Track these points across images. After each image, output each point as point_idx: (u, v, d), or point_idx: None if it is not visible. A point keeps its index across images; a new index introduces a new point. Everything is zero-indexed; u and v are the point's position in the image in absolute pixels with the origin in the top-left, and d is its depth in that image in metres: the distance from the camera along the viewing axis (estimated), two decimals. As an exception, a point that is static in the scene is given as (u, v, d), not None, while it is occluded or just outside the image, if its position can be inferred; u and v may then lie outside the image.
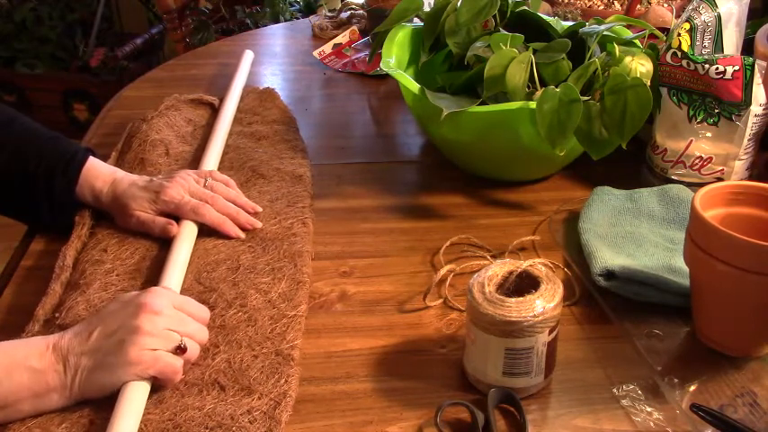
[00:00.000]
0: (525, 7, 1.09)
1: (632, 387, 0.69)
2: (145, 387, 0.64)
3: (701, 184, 0.76)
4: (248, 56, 1.34)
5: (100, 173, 0.88)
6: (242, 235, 0.86)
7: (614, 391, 0.69)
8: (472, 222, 0.94)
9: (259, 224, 0.88)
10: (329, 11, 1.69)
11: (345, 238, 0.91)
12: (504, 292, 0.67)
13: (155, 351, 0.64)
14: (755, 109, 0.90)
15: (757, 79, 0.89)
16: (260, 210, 0.90)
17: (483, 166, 1.02)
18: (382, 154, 1.13)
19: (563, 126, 0.87)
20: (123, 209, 0.86)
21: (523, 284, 0.68)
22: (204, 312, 0.71)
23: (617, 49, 0.93)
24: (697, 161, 0.95)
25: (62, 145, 0.89)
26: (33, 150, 0.87)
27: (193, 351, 0.67)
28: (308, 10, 2.43)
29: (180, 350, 0.65)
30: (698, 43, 0.96)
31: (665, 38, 0.98)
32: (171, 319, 0.66)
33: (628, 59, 0.92)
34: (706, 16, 0.96)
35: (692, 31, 0.95)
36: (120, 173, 0.89)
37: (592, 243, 0.83)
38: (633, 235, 0.85)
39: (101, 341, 0.64)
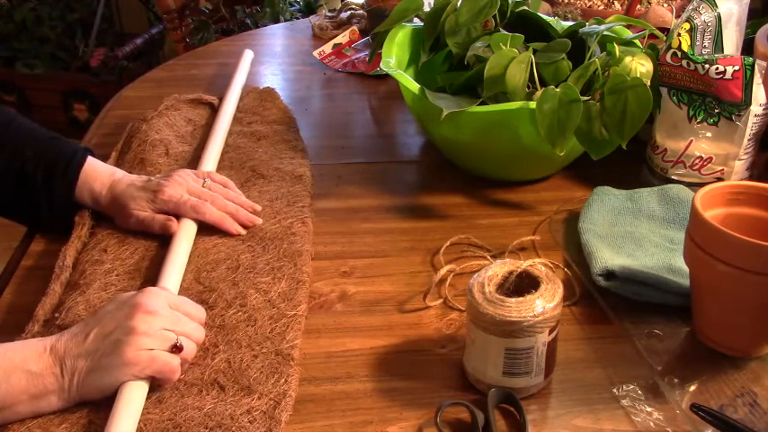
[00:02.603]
0: (525, 7, 1.09)
1: (632, 387, 0.69)
2: (143, 387, 0.64)
3: (701, 184, 0.76)
4: (248, 55, 1.34)
5: (98, 175, 0.88)
6: (242, 231, 0.86)
7: (614, 391, 0.69)
8: (472, 222, 0.94)
9: (259, 221, 0.88)
10: (329, 11, 1.69)
11: (345, 238, 0.91)
12: (504, 292, 0.67)
13: (151, 351, 0.64)
14: (755, 109, 0.90)
15: (757, 79, 0.89)
16: (259, 209, 0.90)
17: (483, 166, 1.02)
18: (382, 154, 1.13)
19: (563, 126, 0.87)
20: (122, 209, 0.86)
21: (523, 284, 0.68)
22: (200, 312, 0.71)
23: (617, 49, 0.93)
24: (697, 161, 0.95)
25: (60, 146, 0.89)
26: (32, 152, 0.86)
27: (190, 350, 0.67)
28: (308, 10, 2.42)
29: (176, 349, 0.65)
30: (698, 43, 0.96)
31: (665, 38, 0.98)
32: (167, 319, 0.66)
33: (628, 59, 0.92)
34: (706, 16, 0.96)
35: (692, 31, 0.95)
36: (118, 173, 0.89)
37: (592, 243, 0.83)
38: (633, 235, 0.85)
39: (97, 343, 0.64)
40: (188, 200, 0.86)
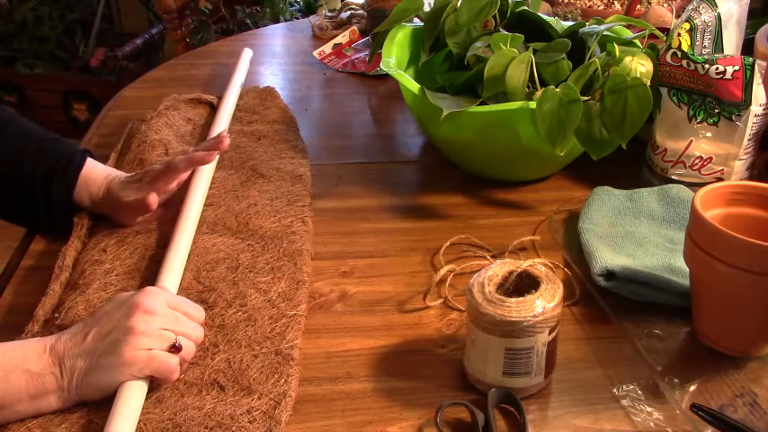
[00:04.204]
0: (525, 7, 1.09)
1: (632, 387, 0.69)
2: (142, 387, 0.64)
3: (701, 184, 0.76)
4: (247, 53, 1.34)
5: (97, 177, 0.88)
6: (213, 156, 0.88)
7: (614, 391, 0.69)
8: (472, 222, 0.94)
9: (226, 142, 0.87)
10: (329, 11, 1.69)
11: (345, 238, 0.91)
12: (504, 292, 0.67)
13: (149, 351, 0.64)
14: (755, 109, 0.90)
15: (757, 79, 0.89)
16: (226, 137, 0.89)
17: (483, 166, 1.02)
18: (382, 154, 1.13)
19: (563, 126, 0.87)
20: (115, 202, 0.86)
21: (523, 284, 0.68)
22: (199, 311, 0.71)
23: (617, 49, 0.93)
24: (697, 161, 0.95)
25: (59, 147, 0.88)
26: (30, 153, 0.86)
27: (189, 350, 0.67)
28: (308, 10, 2.43)
29: (175, 349, 0.65)
30: (698, 43, 0.96)
31: (665, 38, 0.98)
32: (165, 319, 0.66)
33: (628, 59, 0.92)
34: (706, 16, 0.96)
35: (692, 31, 0.95)
36: (113, 173, 0.89)
37: (592, 243, 0.83)
38: (633, 235, 0.85)
39: (96, 343, 0.64)
40: (162, 168, 0.86)
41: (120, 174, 0.90)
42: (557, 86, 0.89)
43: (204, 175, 0.93)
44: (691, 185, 0.93)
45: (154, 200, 0.85)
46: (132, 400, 0.62)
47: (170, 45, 2.83)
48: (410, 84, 0.96)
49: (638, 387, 0.69)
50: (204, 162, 0.88)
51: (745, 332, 0.70)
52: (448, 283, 0.82)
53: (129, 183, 0.87)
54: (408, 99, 1.01)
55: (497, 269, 0.68)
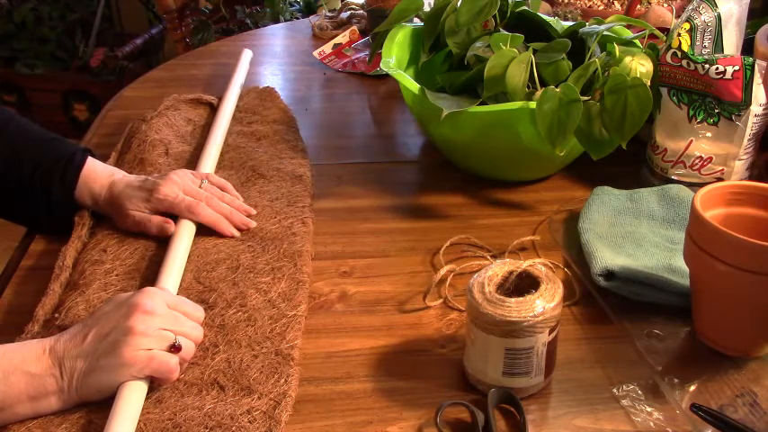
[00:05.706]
0: (525, 7, 1.09)
1: (632, 387, 0.69)
2: (142, 387, 0.64)
3: (701, 184, 0.76)
4: (247, 54, 1.35)
5: (98, 176, 0.88)
6: (236, 233, 0.86)
7: (614, 391, 0.69)
8: (472, 222, 0.94)
9: (253, 224, 0.88)
10: (329, 11, 1.69)
11: (345, 238, 0.91)
12: (504, 292, 0.67)
13: (149, 351, 0.64)
14: (755, 109, 0.90)
15: (757, 79, 0.89)
16: (254, 212, 0.89)
17: (483, 166, 1.02)
18: (382, 154, 1.13)
19: (563, 126, 0.87)
20: (119, 209, 0.86)
21: (523, 284, 0.68)
22: (199, 311, 0.71)
23: (617, 49, 0.93)
24: (697, 161, 0.95)
25: (59, 147, 0.88)
26: (30, 152, 0.86)
27: (188, 349, 0.67)
28: (308, 10, 2.43)
29: (174, 349, 0.65)
30: (698, 43, 0.96)
31: (665, 38, 0.98)
32: (164, 319, 0.66)
33: (628, 59, 0.92)
34: (706, 16, 0.96)
35: (692, 31, 0.95)
36: (117, 174, 0.89)
37: (592, 243, 0.83)
38: (633, 235, 0.85)
39: (95, 343, 0.64)
40: (183, 199, 0.85)
41: (123, 175, 0.89)
42: (557, 86, 0.89)
43: (204, 176, 0.93)
44: (691, 185, 0.93)
45: (172, 230, 0.85)
46: (132, 400, 0.62)
47: (170, 45, 2.83)
48: (410, 84, 0.96)
49: (638, 387, 0.69)
50: (228, 235, 0.86)
51: (745, 332, 0.70)
52: (448, 283, 0.82)
53: (137, 191, 0.86)
54: (408, 99, 1.01)
55: (497, 269, 0.68)
